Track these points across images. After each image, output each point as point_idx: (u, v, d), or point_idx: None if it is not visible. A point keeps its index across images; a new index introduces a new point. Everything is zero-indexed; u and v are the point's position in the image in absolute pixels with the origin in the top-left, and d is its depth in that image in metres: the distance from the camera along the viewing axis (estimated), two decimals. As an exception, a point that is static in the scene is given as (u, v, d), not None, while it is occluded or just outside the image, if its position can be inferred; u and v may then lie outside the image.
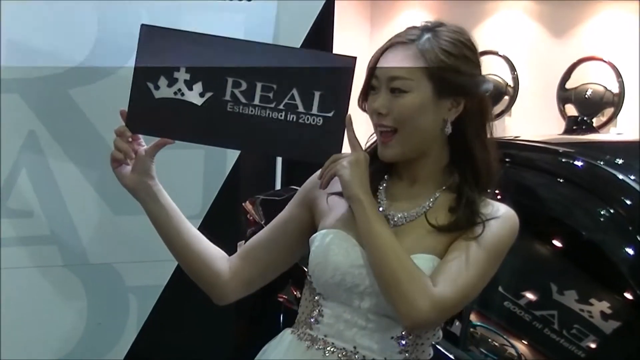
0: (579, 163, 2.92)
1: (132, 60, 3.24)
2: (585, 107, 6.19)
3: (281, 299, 3.61)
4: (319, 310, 2.17)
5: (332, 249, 2.12)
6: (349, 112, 2.11)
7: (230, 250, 2.32)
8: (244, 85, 2.10)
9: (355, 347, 2.13)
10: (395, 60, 2.09)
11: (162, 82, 2.11)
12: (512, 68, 6.61)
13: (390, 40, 2.14)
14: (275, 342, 2.27)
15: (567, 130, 4.43)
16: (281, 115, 2.10)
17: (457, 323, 2.99)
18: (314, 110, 2.10)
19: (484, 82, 2.14)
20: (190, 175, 3.37)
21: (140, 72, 2.13)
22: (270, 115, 2.11)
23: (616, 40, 6.57)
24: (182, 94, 2.10)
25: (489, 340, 2.91)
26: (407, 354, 2.15)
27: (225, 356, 3.75)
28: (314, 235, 2.19)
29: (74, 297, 3.38)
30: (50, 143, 3.23)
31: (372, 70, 2.12)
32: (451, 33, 2.12)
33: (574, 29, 6.87)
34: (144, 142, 2.21)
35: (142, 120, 2.13)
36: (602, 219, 2.71)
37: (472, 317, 2.97)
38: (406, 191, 2.18)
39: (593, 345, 2.59)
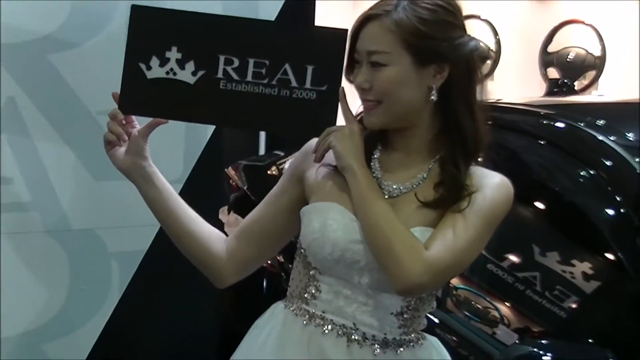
0: (560, 125, 2.92)
1: (109, 25, 3.26)
2: (567, 71, 6.18)
3: (265, 264, 3.61)
4: (315, 286, 2.14)
5: (330, 225, 2.09)
6: (342, 85, 2.10)
7: (212, 215, 2.31)
8: (236, 62, 2.08)
9: (355, 324, 2.12)
10: (371, 34, 2.06)
11: (154, 62, 2.08)
12: (495, 32, 6.59)
13: (366, 12, 2.10)
14: (267, 317, 2.24)
15: (549, 93, 4.45)
16: (274, 91, 2.09)
17: (440, 286, 3.00)
18: (307, 85, 2.09)
19: (469, 44, 2.10)
20: (171, 139, 3.35)
21: (132, 53, 2.10)
22: (264, 91, 2.09)
23: (598, 3, 6.56)
24: (175, 74, 2.08)
25: (472, 302, 2.91)
26: (405, 328, 2.15)
27: (209, 319, 3.76)
28: (306, 207, 2.16)
29: (55, 263, 3.37)
30: (30, 109, 3.21)
31: (352, 44, 2.10)
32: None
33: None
34: (138, 124, 2.19)
35: (134, 102, 2.11)
36: (582, 181, 2.72)
37: (455, 280, 2.98)
38: (400, 162, 2.16)
39: (574, 306, 2.60)
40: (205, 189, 3.55)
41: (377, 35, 2.05)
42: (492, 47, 6.54)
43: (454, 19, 2.10)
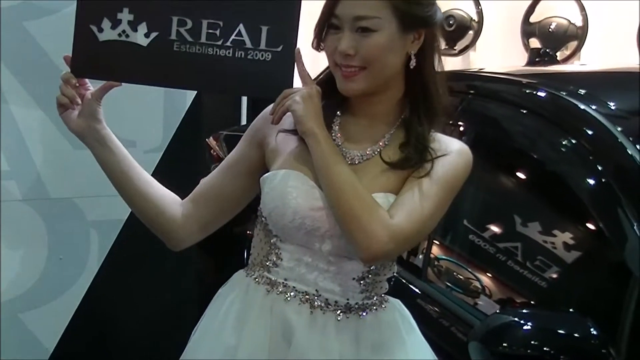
0: (541, 94, 2.91)
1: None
2: (549, 41, 6.16)
3: (248, 233, 3.60)
4: (276, 254, 2.14)
5: (290, 192, 2.08)
6: (297, 46, 2.07)
7: (192, 185, 2.29)
8: (190, 24, 2.05)
9: (317, 290, 2.11)
10: (358, 0, 2.04)
11: (106, 24, 2.04)
12: (477, 2, 6.56)
13: None
14: (229, 286, 2.24)
15: (530, 63, 4.43)
16: (229, 52, 2.06)
17: (421, 256, 2.99)
18: (262, 46, 2.06)
19: (439, 11, 2.11)
20: (150, 108, 3.33)
21: (82, 15, 2.06)
22: (218, 53, 2.06)
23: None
24: (127, 36, 2.05)
25: (454, 273, 2.91)
26: (367, 293, 2.16)
27: (189, 290, 3.75)
28: (266, 175, 2.15)
29: (34, 232, 3.35)
30: (7, 77, 3.18)
31: (332, 9, 2.06)
32: None
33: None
34: (91, 87, 2.15)
35: (87, 65, 2.07)
36: (564, 150, 2.71)
37: (437, 251, 2.97)
38: (362, 128, 2.15)
39: (555, 276, 2.60)
40: (185, 159, 3.54)
41: (366, 1, 2.03)
42: (475, 17, 6.51)
43: None
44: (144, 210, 2.22)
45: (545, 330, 2.18)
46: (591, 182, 2.56)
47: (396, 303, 2.25)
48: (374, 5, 2.03)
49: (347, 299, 2.13)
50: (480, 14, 6.49)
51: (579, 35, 6.14)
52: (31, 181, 3.30)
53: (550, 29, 6.29)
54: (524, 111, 2.90)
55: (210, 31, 2.05)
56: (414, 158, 2.08)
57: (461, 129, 3.07)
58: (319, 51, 2.13)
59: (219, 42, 2.06)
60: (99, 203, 3.41)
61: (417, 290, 2.90)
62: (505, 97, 3.04)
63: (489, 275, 2.80)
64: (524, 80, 3.10)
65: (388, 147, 2.12)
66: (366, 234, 1.97)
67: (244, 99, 4.68)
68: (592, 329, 2.14)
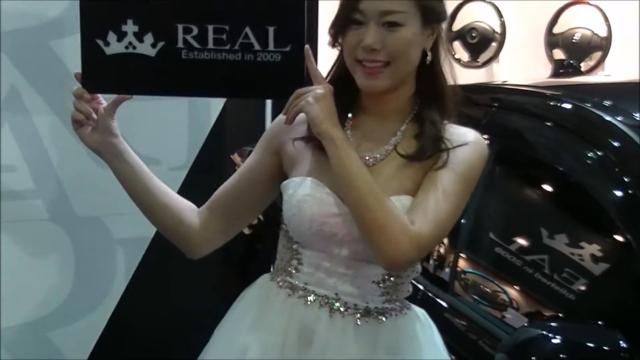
0: (566, 106, 2.90)
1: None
2: (573, 52, 6.15)
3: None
4: (298, 259, 2.15)
5: (306, 200, 2.09)
6: (306, 45, 2.03)
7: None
8: (196, 30, 2.02)
9: (336, 294, 2.12)
10: None
11: (111, 37, 2.02)
12: (499, 14, 6.55)
13: None
14: (253, 289, 2.25)
15: (554, 74, 4.42)
16: (238, 56, 2.03)
17: (447, 270, 2.98)
18: (271, 47, 2.02)
19: (444, 5, 2.14)
20: (174, 125, 3.34)
21: (87, 30, 2.04)
22: (227, 58, 2.03)
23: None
24: (134, 47, 2.03)
25: (481, 286, 2.90)
26: (388, 296, 2.15)
27: (216, 306, 3.75)
28: (285, 182, 2.16)
29: (61, 251, 3.36)
30: (32, 96, 3.20)
31: (355, 4, 2.05)
32: None
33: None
34: (104, 101, 2.14)
35: (97, 80, 2.06)
36: (590, 162, 2.69)
37: (464, 264, 2.97)
38: (374, 128, 2.15)
39: (583, 288, 2.58)
40: (210, 176, 3.53)
41: None
42: (497, 29, 6.50)
43: None
44: (162, 221, 2.22)
45: (573, 343, 2.17)
46: (617, 193, 2.55)
47: (419, 312, 2.25)
48: (401, 0, 2.03)
49: (367, 303, 2.14)
50: (503, 25, 6.48)
51: (603, 45, 6.11)
52: (58, 200, 3.31)
53: (574, 40, 6.27)
54: (549, 123, 2.89)
55: (217, 36, 2.02)
56: (428, 149, 2.08)
57: (485, 141, 3.06)
58: (334, 47, 2.13)
59: (227, 47, 2.03)
60: (125, 221, 3.42)
61: (444, 304, 2.89)
62: (529, 109, 3.03)
63: (516, 288, 2.79)
64: (548, 92, 3.09)
65: (402, 141, 2.13)
66: (389, 242, 1.96)
67: (268, 115, 4.69)
68: (620, 342, 2.13)
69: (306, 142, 2.14)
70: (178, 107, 3.41)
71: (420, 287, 2.97)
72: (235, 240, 2.36)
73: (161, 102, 3.35)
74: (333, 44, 2.13)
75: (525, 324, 2.41)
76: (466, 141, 2.10)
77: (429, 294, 2.94)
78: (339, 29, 2.10)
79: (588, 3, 6.28)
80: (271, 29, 2.02)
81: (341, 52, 2.14)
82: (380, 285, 2.14)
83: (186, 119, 3.43)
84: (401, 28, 2.04)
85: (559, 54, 6.27)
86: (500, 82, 3.90)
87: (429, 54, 2.10)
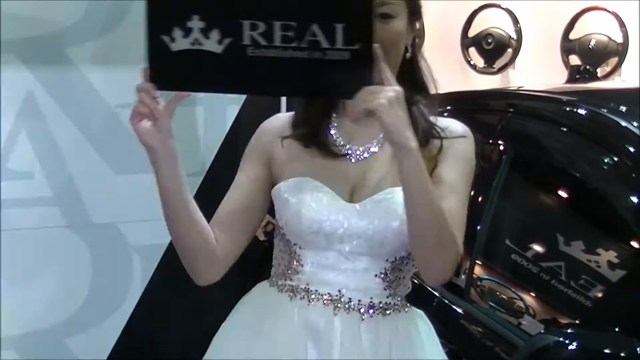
0: (582, 111, 2.89)
1: (127, 17, 3.26)
2: (589, 58, 6.14)
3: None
4: (297, 261, 2.12)
5: (304, 199, 2.07)
6: (376, 43, 1.94)
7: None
8: (262, 27, 1.95)
9: (339, 291, 2.10)
10: None
11: (177, 33, 1.96)
12: (515, 20, 6.54)
13: None
14: (251, 296, 2.24)
15: (570, 80, 4.41)
16: (305, 54, 1.95)
17: (463, 276, 2.98)
18: (339, 45, 1.94)
19: None
20: (189, 132, 3.34)
21: (153, 26, 1.97)
22: (294, 55, 1.95)
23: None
24: (200, 44, 1.96)
25: (497, 293, 2.90)
26: (391, 290, 2.14)
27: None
28: (277, 186, 2.13)
29: (78, 258, 3.37)
30: (49, 103, 3.21)
31: None
32: None
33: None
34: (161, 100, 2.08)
35: (163, 76, 1.98)
36: (606, 167, 2.69)
37: (479, 271, 2.96)
38: (361, 126, 2.15)
39: (600, 295, 2.57)
40: (226, 182, 3.53)
41: None
42: (513, 35, 6.50)
43: None
44: (193, 239, 2.10)
45: (590, 350, 2.16)
46: (634, 199, 2.54)
47: (419, 313, 2.24)
48: None
49: (371, 298, 2.12)
50: (518, 32, 6.47)
51: (620, 51, 6.10)
52: (74, 207, 3.32)
53: (590, 46, 6.26)
54: (564, 129, 2.88)
55: (284, 33, 1.95)
56: (421, 138, 2.02)
57: (501, 147, 3.06)
58: None
59: (294, 44, 1.95)
60: (141, 228, 3.42)
61: (460, 310, 2.89)
62: (545, 114, 3.02)
63: (533, 294, 2.79)
64: (564, 98, 3.08)
65: None
66: (445, 260, 1.97)
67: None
68: (638, 349, 2.12)
69: (295, 141, 2.13)
70: (193, 114, 3.42)
71: (436, 294, 2.97)
72: (252, 247, 2.35)
73: (176, 108, 3.36)
74: None
75: (542, 331, 2.40)
76: (462, 134, 2.11)
77: (445, 301, 2.94)
78: None
79: (605, 9, 6.27)
80: (339, 27, 1.95)
81: None
82: (383, 279, 2.13)
83: (201, 125, 3.44)
84: (393, 20, 2.05)
85: (575, 60, 6.26)
86: (515, 88, 3.89)
87: (409, 49, 2.12)
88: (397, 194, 2.03)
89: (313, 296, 2.11)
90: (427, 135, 2.09)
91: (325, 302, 2.10)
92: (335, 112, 2.18)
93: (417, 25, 2.14)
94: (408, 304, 2.20)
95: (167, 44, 1.95)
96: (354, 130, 2.16)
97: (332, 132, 2.15)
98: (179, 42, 1.96)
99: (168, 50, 1.96)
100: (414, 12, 2.11)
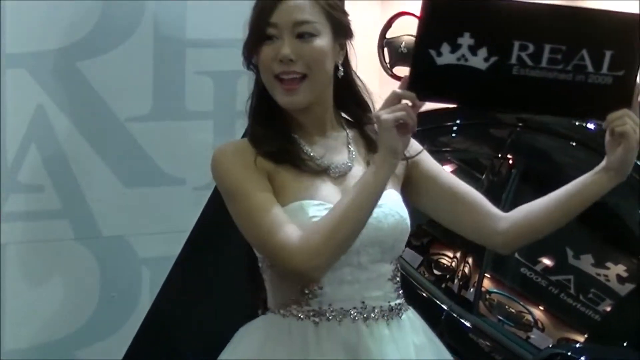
0: (591, 126, 2.89)
1: (137, 31, 3.26)
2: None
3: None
4: (314, 284, 2.10)
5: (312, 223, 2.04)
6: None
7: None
8: (531, 48, 2.01)
9: (363, 302, 2.11)
10: (296, 5, 2.07)
11: (445, 48, 2.00)
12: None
13: None
14: (260, 334, 2.20)
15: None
16: (569, 77, 2.03)
17: (472, 290, 2.97)
18: (604, 70, 2.02)
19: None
20: (199, 145, 3.35)
21: (423, 40, 2.02)
22: (558, 77, 2.03)
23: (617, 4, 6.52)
24: (466, 60, 2.01)
25: (506, 306, 2.89)
26: (398, 291, 2.19)
27: (241, 326, 3.75)
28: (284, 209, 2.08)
29: (86, 271, 3.37)
30: (59, 116, 3.21)
31: (267, 18, 2.07)
32: None
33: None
34: None
35: (424, 87, 2.03)
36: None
37: (488, 284, 2.96)
38: (324, 140, 2.18)
39: (609, 309, 2.57)
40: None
41: (304, 6, 2.07)
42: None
43: None
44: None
45: (599, 364, 2.16)
46: (643, 214, 2.55)
47: (412, 309, 2.25)
48: (312, 10, 2.07)
49: (389, 302, 2.15)
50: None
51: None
52: (83, 220, 3.32)
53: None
54: (573, 143, 2.89)
55: (552, 56, 2.02)
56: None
57: (510, 161, 3.06)
58: (249, 69, 2.15)
59: (560, 67, 2.03)
60: (150, 240, 3.42)
61: (468, 324, 2.88)
62: (554, 129, 3.03)
63: (542, 308, 2.79)
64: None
65: (357, 146, 2.20)
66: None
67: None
68: (646, 364, 2.12)
69: (287, 163, 2.12)
70: (202, 127, 3.42)
71: (445, 307, 2.96)
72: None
73: (186, 122, 3.36)
74: (248, 65, 2.14)
75: (551, 345, 2.40)
76: (420, 148, 2.22)
77: (454, 315, 2.94)
78: (252, 47, 2.11)
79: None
80: (608, 53, 2.02)
81: (258, 75, 2.15)
82: (394, 281, 2.17)
83: (211, 138, 3.44)
84: (315, 38, 2.07)
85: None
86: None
87: (341, 68, 2.14)
88: (386, 195, 2.06)
89: (340, 315, 2.09)
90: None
91: (353, 317, 2.10)
92: (292, 132, 2.17)
93: (346, 43, 2.16)
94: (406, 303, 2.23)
95: (433, 57, 1.99)
96: (321, 145, 2.17)
97: (305, 148, 2.15)
98: (445, 57, 2.00)
99: (433, 63, 2.00)
100: (338, 31, 2.12)
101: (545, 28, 2.03)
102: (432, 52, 1.99)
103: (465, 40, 1.99)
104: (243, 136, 3.42)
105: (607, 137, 2.05)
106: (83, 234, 3.33)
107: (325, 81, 2.12)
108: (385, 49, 6.40)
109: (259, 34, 2.08)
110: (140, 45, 3.26)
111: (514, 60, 2.01)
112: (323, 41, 2.08)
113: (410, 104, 1.95)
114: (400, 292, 2.19)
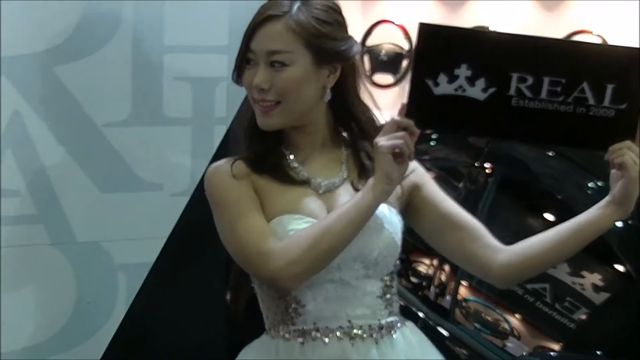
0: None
1: (115, 37, 3.26)
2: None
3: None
4: (297, 302, 2.10)
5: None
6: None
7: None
8: (530, 80, 2.03)
9: (349, 321, 2.10)
10: (271, 34, 2.07)
11: (442, 79, 2.03)
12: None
13: (261, 13, 2.09)
14: (257, 352, 2.19)
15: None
16: (569, 109, 2.04)
17: (448, 297, 2.98)
18: (606, 103, 2.04)
19: (355, 44, 2.16)
20: (177, 151, 3.34)
21: (419, 70, 2.05)
22: (558, 109, 2.04)
23: (608, 13, 6.55)
24: (464, 90, 2.03)
25: (482, 314, 2.90)
26: (390, 308, 2.17)
27: (218, 331, 3.74)
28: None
29: (62, 276, 3.35)
30: (35, 121, 3.19)
31: (248, 43, 2.09)
32: (321, 0, 2.12)
33: (565, 3, 6.86)
34: None
35: (421, 117, 2.03)
36: (590, 192, 2.71)
37: (465, 292, 2.96)
38: (316, 157, 2.18)
39: (584, 317, 2.58)
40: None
41: (278, 35, 2.06)
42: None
43: (342, 20, 2.15)
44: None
45: (574, 373, 2.17)
46: (618, 224, 2.55)
47: (412, 325, 2.25)
48: (286, 40, 2.06)
49: (378, 320, 2.13)
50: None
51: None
52: (59, 225, 3.31)
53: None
54: (550, 153, 2.90)
55: (552, 88, 2.03)
56: (369, 164, 2.13)
57: (487, 170, 3.07)
58: (238, 84, 2.16)
59: (560, 99, 2.04)
60: (126, 247, 3.41)
61: (444, 332, 2.89)
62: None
63: (518, 316, 2.79)
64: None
65: (350, 172, 2.19)
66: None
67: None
68: (621, 372, 2.13)
69: (271, 178, 2.13)
70: (181, 133, 3.41)
71: (421, 315, 2.97)
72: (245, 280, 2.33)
73: (164, 128, 3.35)
74: (238, 82, 2.16)
75: (526, 353, 2.41)
76: (412, 168, 2.14)
77: (430, 322, 2.94)
78: (237, 69, 2.14)
79: (591, 33, 6.29)
80: (610, 87, 2.03)
81: None
82: (383, 299, 2.14)
83: (189, 144, 3.43)
84: (287, 68, 2.07)
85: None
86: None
87: (329, 92, 2.13)
88: (394, 214, 2.11)
89: (325, 335, 2.09)
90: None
91: (338, 336, 2.09)
92: (284, 145, 2.19)
93: (343, 66, 2.14)
94: (403, 319, 2.22)
95: (430, 87, 2.02)
96: (312, 162, 2.18)
97: (294, 164, 2.16)
98: (443, 87, 2.02)
99: (431, 92, 2.02)
100: (323, 57, 2.09)
101: (544, 61, 2.04)
102: (429, 82, 2.02)
103: (463, 71, 2.02)
104: (221, 142, 3.44)
105: (611, 169, 2.04)
106: (59, 239, 3.32)
107: (301, 107, 2.11)
108: (365, 57, 6.47)
109: (241, 57, 2.11)
110: (118, 51, 3.25)
111: (512, 91, 2.03)
112: (296, 71, 2.07)
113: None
114: (394, 309, 2.17)
